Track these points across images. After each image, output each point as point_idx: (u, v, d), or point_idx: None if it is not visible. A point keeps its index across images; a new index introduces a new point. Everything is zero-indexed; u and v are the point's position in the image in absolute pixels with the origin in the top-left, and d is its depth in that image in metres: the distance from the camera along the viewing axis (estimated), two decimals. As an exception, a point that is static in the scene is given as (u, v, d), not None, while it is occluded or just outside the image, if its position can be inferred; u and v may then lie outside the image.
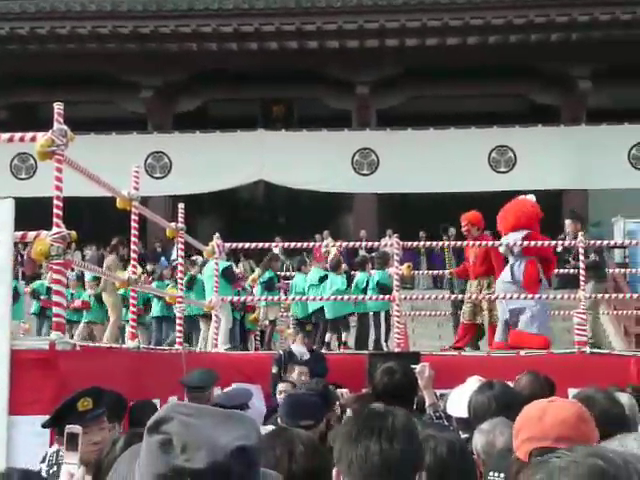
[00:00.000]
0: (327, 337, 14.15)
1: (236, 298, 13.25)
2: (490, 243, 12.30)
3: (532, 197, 12.42)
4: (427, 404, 5.44)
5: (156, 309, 16.56)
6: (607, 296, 13.94)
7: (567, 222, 12.58)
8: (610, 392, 4.51)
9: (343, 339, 14.38)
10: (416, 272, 18.84)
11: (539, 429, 2.72)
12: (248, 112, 27.64)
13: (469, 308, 12.80)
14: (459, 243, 13.15)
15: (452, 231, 23.52)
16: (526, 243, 11.49)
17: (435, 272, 20.39)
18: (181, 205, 9.87)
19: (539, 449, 2.68)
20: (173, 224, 9.73)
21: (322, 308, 14.05)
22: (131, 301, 8.19)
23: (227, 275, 13.49)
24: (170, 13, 24.15)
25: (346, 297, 13.52)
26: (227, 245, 12.25)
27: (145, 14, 24.20)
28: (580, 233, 12.30)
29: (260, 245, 12.59)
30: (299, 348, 10.12)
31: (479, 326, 12.75)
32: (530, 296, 11.33)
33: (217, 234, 11.83)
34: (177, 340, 9.45)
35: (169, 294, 10.64)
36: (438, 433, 3.27)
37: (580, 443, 2.34)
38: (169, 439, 1.63)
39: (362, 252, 19.63)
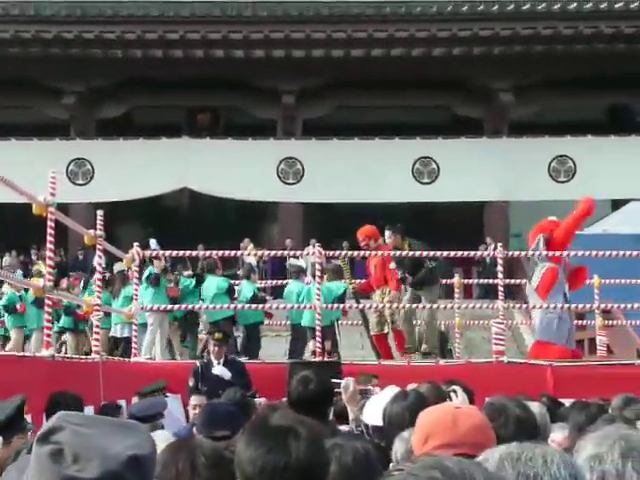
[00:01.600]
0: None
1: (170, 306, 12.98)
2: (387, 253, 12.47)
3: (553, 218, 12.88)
4: (350, 419, 5.45)
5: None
6: (525, 306, 14.13)
7: (387, 233, 12.76)
8: (521, 401, 4.58)
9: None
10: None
11: (455, 435, 2.72)
12: (173, 120, 27.46)
13: (376, 319, 12.96)
14: (379, 253, 13.19)
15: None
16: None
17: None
18: (100, 212, 9.74)
19: (457, 455, 2.69)
20: (92, 231, 9.60)
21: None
22: (46, 309, 8.04)
23: (151, 281, 13.34)
24: (94, 19, 23.88)
25: (275, 306, 13.48)
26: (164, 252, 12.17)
27: (69, 19, 23.88)
28: (499, 244, 12.49)
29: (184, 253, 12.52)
30: (220, 369, 9.87)
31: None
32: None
33: (136, 243, 11.73)
34: (94, 349, 9.31)
35: (85, 302, 10.49)
36: (345, 442, 3.28)
37: (487, 449, 2.37)
38: (60, 449, 1.61)
39: (299, 261, 19.45)
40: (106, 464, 1.60)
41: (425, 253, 12.23)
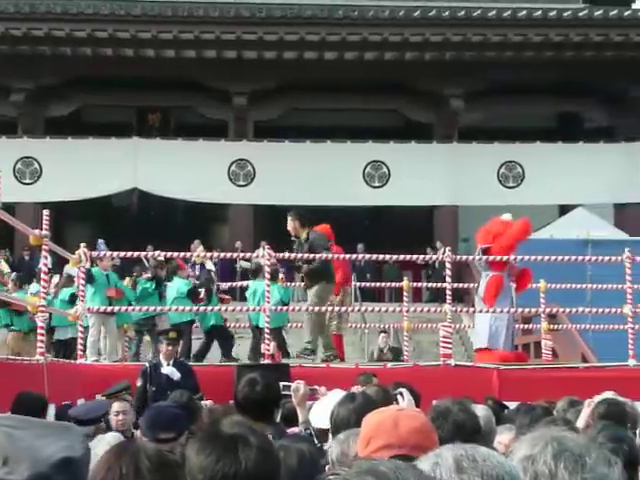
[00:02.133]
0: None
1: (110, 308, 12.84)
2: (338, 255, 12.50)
3: (507, 216, 12.85)
4: (300, 421, 5.46)
5: None
6: (472, 310, 14.24)
7: (288, 219, 12.70)
8: (465, 404, 4.61)
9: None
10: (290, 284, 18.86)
11: (396, 437, 2.74)
12: (123, 119, 27.26)
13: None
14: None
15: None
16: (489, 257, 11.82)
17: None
18: (46, 212, 9.63)
19: (398, 457, 2.70)
20: (37, 231, 9.48)
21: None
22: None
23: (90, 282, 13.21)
24: (43, 16, 23.61)
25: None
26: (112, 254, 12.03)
27: (17, 16, 23.58)
28: (448, 248, 12.58)
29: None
30: (170, 369, 9.81)
31: None
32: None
33: (83, 243, 11.61)
34: (39, 351, 9.19)
35: (30, 303, 10.36)
36: (291, 444, 3.27)
37: (430, 451, 2.38)
38: None
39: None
40: (36, 466, 1.59)
41: (368, 256, 12.26)
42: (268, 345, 11.40)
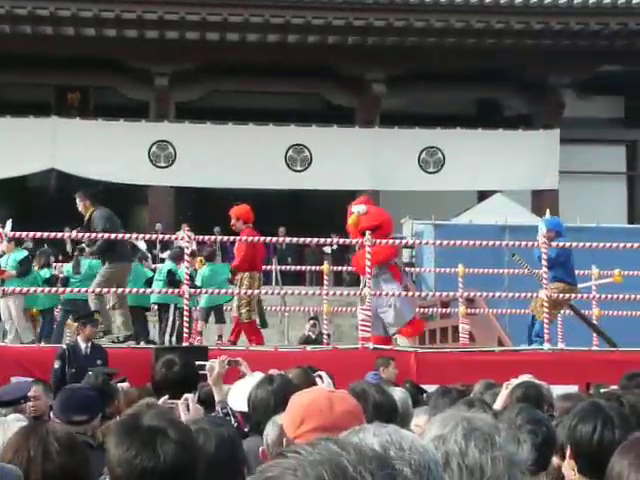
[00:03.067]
0: None
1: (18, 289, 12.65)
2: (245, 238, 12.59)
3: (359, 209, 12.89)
4: (216, 400, 5.45)
5: None
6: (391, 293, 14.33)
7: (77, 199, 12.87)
8: (382, 386, 4.66)
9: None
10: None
11: (330, 419, 2.70)
12: (42, 98, 26.75)
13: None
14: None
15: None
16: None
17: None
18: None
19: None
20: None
21: None
22: None
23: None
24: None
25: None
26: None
27: None
28: (369, 232, 12.64)
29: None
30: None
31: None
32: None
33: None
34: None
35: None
36: (211, 427, 3.26)
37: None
38: None
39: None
40: None
41: (282, 239, 12.29)
42: (187, 327, 11.34)
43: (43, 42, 24.32)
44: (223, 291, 13.21)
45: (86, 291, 12.22)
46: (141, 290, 13.14)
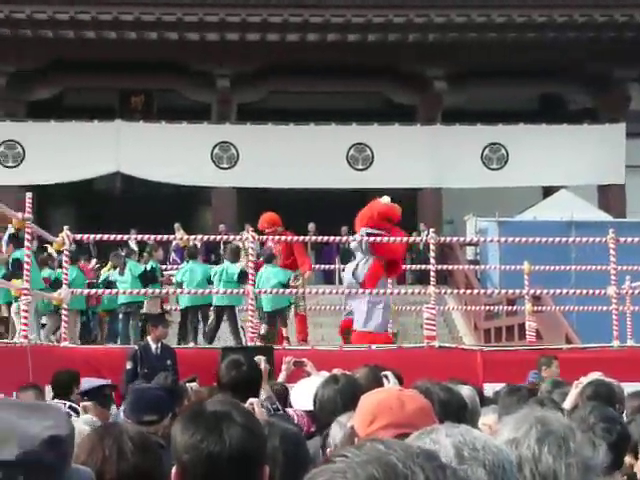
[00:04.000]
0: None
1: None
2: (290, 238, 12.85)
3: (386, 199, 12.70)
4: (263, 397, 5.47)
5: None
6: (457, 292, 14.27)
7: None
8: (447, 385, 4.62)
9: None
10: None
11: (401, 416, 2.70)
12: (106, 102, 27.10)
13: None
14: (318, 238, 13.39)
15: (311, 226, 23.49)
16: (372, 240, 11.75)
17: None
18: (29, 195, 9.60)
19: (403, 435, 2.70)
20: (20, 214, 9.44)
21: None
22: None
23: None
24: (25, -2, 23.43)
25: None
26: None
27: (-2, -2, 23.40)
28: (432, 231, 12.61)
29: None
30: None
31: None
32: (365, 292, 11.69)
33: (67, 226, 11.56)
34: (22, 334, 9.16)
35: (14, 286, 10.31)
36: (276, 422, 3.27)
37: None
38: None
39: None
40: (24, 445, 1.59)
41: (359, 238, 12.27)
42: (258, 328, 11.41)
43: (107, 47, 24.64)
44: (285, 291, 13.25)
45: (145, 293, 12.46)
46: (207, 291, 13.36)
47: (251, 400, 4.43)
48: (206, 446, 2.27)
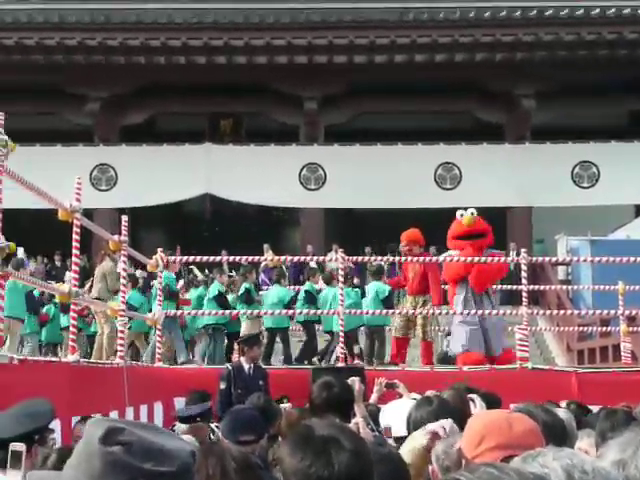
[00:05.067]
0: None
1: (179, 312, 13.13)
2: (428, 259, 12.69)
3: (463, 212, 12.73)
4: (358, 418, 5.47)
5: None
6: (549, 312, 14.07)
7: None
8: (548, 407, 4.55)
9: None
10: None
11: (510, 437, 2.73)
12: (196, 126, 27.55)
13: (402, 323, 13.17)
14: (405, 259, 13.33)
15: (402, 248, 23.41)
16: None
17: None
18: (124, 217, 9.79)
19: (511, 457, 2.70)
20: (116, 236, 9.65)
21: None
22: (71, 314, 8.08)
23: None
24: (118, 25, 24.00)
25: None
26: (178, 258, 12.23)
27: (92, 26, 24.02)
28: (523, 250, 12.47)
29: (208, 258, 12.59)
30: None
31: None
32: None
33: (160, 248, 11.77)
34: (119, 354, 9.35)
35: (110, 307, 10.53)
36: (374, 446, 3.28)
37: None
38: (130, 447, 1.69)
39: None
40: (180, 458, 1.72)
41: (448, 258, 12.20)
42: (343, 348, 11.41)
43: (196, 71, 25.09)
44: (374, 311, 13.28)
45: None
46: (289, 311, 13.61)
47: (356, 420, 4.45)
48: (314, 471, 2.27)
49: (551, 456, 1.91)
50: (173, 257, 14.32)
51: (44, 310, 17.11)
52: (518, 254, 14.76)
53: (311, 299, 15.25)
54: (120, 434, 1.70)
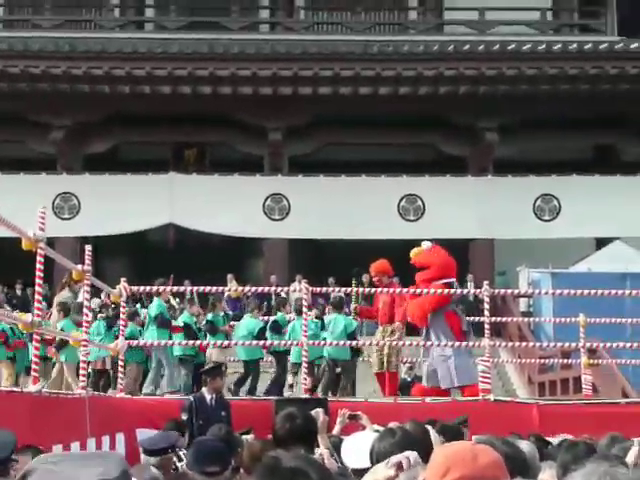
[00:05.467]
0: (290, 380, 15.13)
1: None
2: (398, 290, 12.64)
3: (425, 244, 13.00)
4: (322, 450, 5.47)
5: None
6: (510, 344, 14.17)
7: None
8: (509, 439, 4.59)
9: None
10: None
11: (475, 469, 2.74)
12: (160, 155, 27.51)
13: (378, 358, 13.20)
14: (370, 290, 13.42)
15: (366, 277, 23.49)
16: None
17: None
18: (88, 247, 9.74)
19: None
20: (79, 266, 9.60)
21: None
22: (34, 344, 8.02)
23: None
24: (82, 54, 24.00)
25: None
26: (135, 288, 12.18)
27: (57, 54, 23.99)
28: (485, 282, 12.58)
29: (167, 289, 12.56)
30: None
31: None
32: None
33: (124, 278, 11.71)
34: (80, 384, 9.27)
35: (73, 337, 10.46)
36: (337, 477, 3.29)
37: None
38: None
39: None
40: None
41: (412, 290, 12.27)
42: (306, 379, 11.40)
43: (161, 101, 25.09)
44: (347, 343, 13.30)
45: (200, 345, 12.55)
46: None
47: (322, 451, 4.44)
48: None
49: None
50: (163, 286, 14.37)
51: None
52: (477, 286, 14.91)
53: (277, 329, 15.24)
54: (29, 476, 1.80)
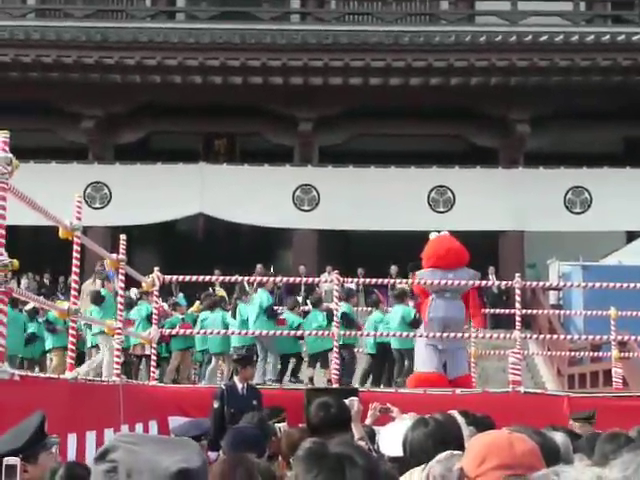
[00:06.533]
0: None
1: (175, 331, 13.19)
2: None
3: (435, 234, 13.04)
4: (355, 438, 5.51)
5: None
6: (541, 337, 14.12)
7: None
8: (542, 431, 4.60)
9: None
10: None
11: (511, 457, 2.78)
12: (190, 145, 27.63)
13: None
14: (398, 281, 13.40)
15: (393, 269, 23.57)
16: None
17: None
18: (123, 236, 9.82)
19: (513, 476, 2.76)
20: (114, 255, 9.68)
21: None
22: (70, 332, 8.11)
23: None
24: (114, 44, 24.12)
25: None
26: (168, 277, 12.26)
27: (89, 44, 24.12)
28: (517, 274, 12.55)
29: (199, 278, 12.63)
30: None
31: None
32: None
33: (157, 267, 11.79)
34: (115, 372, 9.37)
35: (104, 324, 10.56)
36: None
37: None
38: (115, 466, 1.76)
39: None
40: (156, 477, 1.73)
41: (444, 282, 12.26)
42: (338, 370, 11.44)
43: (192, 91, 25.17)
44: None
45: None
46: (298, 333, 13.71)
47: (355, 440, 4.48)
48: None
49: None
50: (266, 277, 14.70)
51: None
52: (500, 278, 14.86)
53: (349, 320, 15.16)
54: (111, 452, 1.79)
